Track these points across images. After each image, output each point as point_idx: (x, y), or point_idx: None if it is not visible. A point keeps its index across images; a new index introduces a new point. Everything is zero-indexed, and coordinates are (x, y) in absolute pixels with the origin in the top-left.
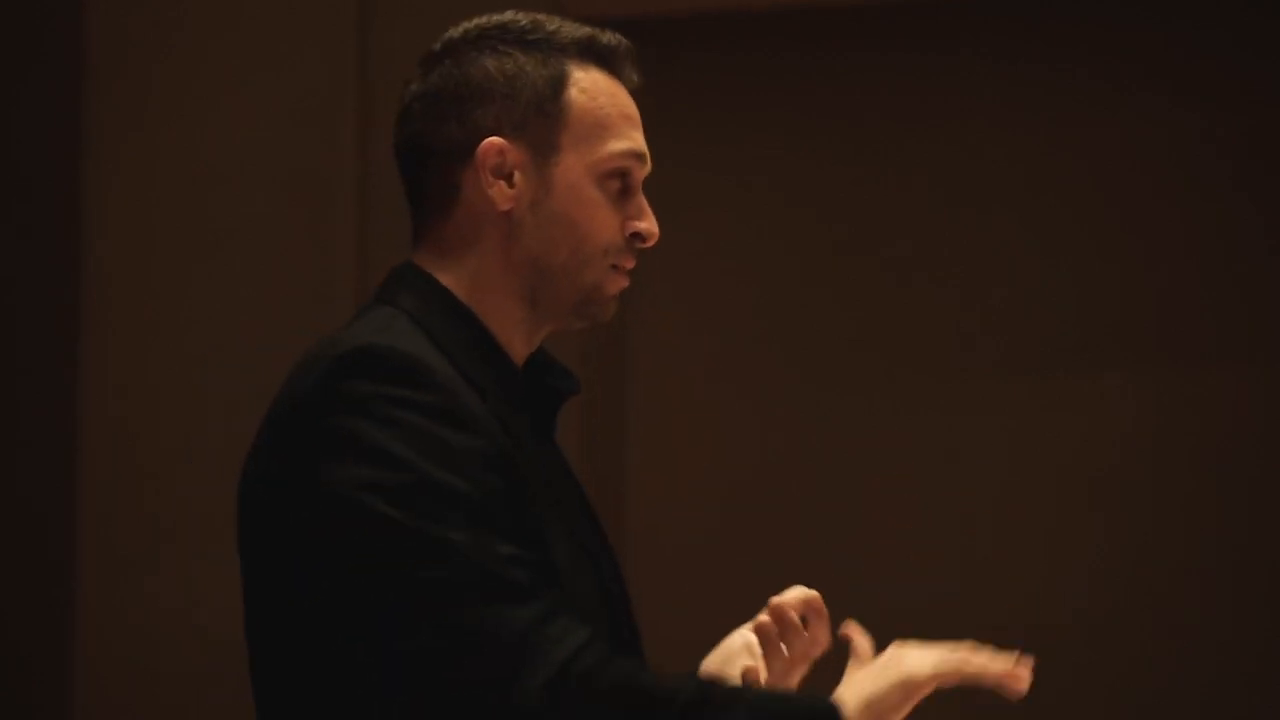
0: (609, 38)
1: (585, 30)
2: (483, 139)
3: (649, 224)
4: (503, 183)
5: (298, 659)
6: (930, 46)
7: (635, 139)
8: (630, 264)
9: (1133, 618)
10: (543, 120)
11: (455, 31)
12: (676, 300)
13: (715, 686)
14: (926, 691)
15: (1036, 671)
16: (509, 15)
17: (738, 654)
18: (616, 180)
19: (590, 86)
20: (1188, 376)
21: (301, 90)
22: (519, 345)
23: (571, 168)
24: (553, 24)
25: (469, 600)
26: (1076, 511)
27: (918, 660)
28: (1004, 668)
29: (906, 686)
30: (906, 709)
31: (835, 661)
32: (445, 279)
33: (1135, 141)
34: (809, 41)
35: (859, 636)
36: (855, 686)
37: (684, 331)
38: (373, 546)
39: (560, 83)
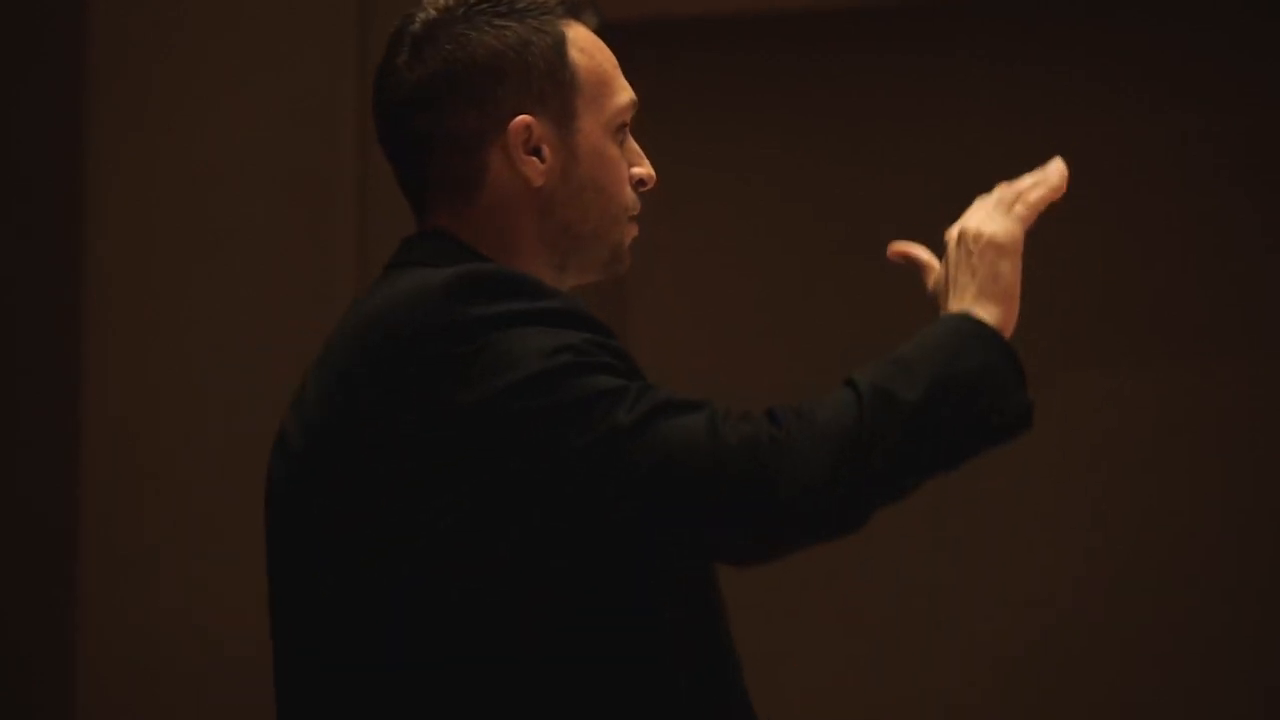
0: None
1: None
2: (508, 119)
3: (647, 167)
4: (534, 159)
5: (422, 602)
6: (927, 48)
7: (629, 87)
8: (639, 210)
9: (1133, 613)
10: (558, 89)
11: (434, 10)
12: (677, 296)
13: (869, 374)
14: (1022, 240)
15: (1035, 670)
16: None
17: None
18: (623, 132)
19: (585, 44)
20: (1185, 371)
21: (302, 90)
22: None
23: (591, 131)
24: None
25: (660, 422)
26: (1074, 505)
27: (994, 224)
28: (1055, 178)
29: (1007, 251)
30: (1019, 270)
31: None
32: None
33: (1132, 141)
34: (806, 43)
35: (912, 248)
36: (961, 288)
37: (684, 327)
38: (559, 429)
39: (561, 47)
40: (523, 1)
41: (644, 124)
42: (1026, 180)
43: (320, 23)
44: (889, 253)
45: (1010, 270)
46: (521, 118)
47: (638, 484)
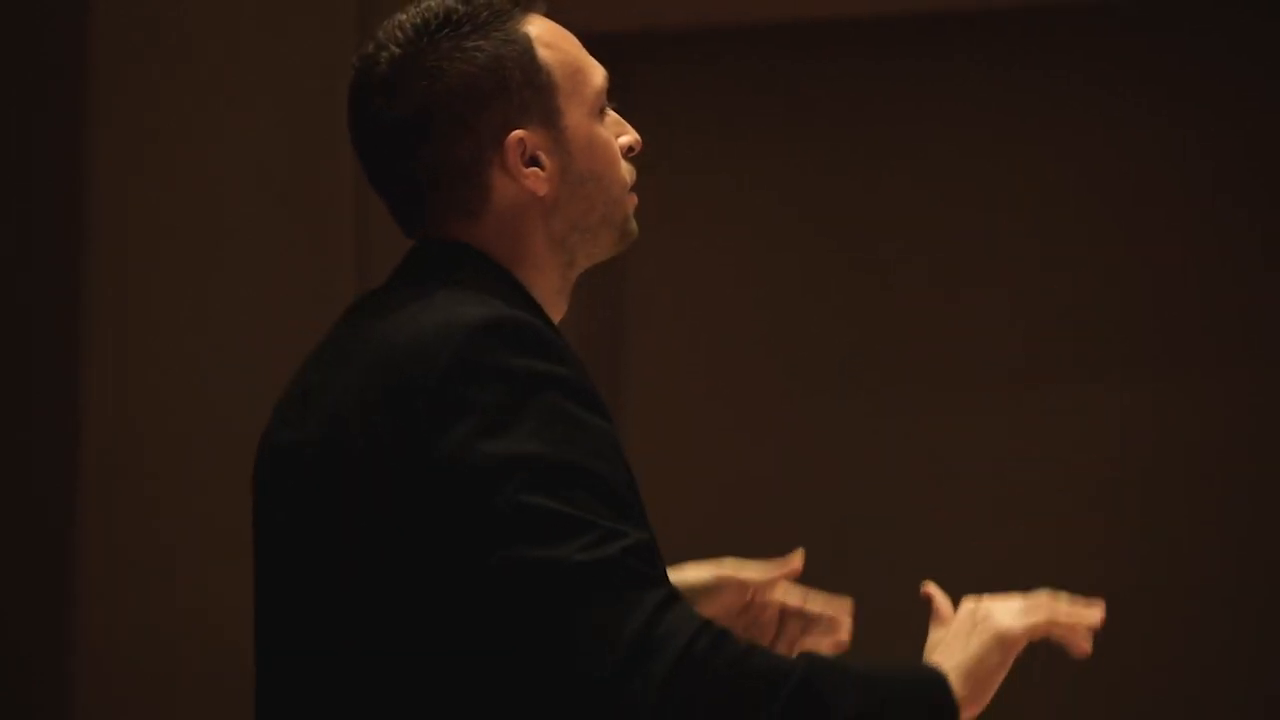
0: None
1: None
2: (501, 137)
3: (632, 134)
4: (535, 169)
5: (366, 642)
6: (925, 54)
7: (597, 64)
8: (634, 178)
9: (1131, 622)
10: (538, 94)
11: (395, 47)
12: (673, 303)
13: (821, 662)
14: (1021, 648)
15: (1038, 675)
16: (437, 5)
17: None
18: (604, 111)
19: (549, 37)
20: (1184, 381)
21: (301, 95)
22: (556, 315)
23: (577, 123)
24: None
25: (592, 587)
26: (1073, 517)
27: (1009, 617)
28: (1089, 619)
29: (1004, 645)
30: (1006, 669)
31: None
32: None
33: (1130, 147)
34: (804, 52)
35: (939, 596)
36: (950, 651)
37: (680, 334)
38: (503, 525)
39: (530, 51)
40: (482, 14)
41: (643, 134)
42: (1066, 606)
43: (319, 28)
44: (922, 591)
45: (998, 664)
46: (514, 134)
47: (538, 621)
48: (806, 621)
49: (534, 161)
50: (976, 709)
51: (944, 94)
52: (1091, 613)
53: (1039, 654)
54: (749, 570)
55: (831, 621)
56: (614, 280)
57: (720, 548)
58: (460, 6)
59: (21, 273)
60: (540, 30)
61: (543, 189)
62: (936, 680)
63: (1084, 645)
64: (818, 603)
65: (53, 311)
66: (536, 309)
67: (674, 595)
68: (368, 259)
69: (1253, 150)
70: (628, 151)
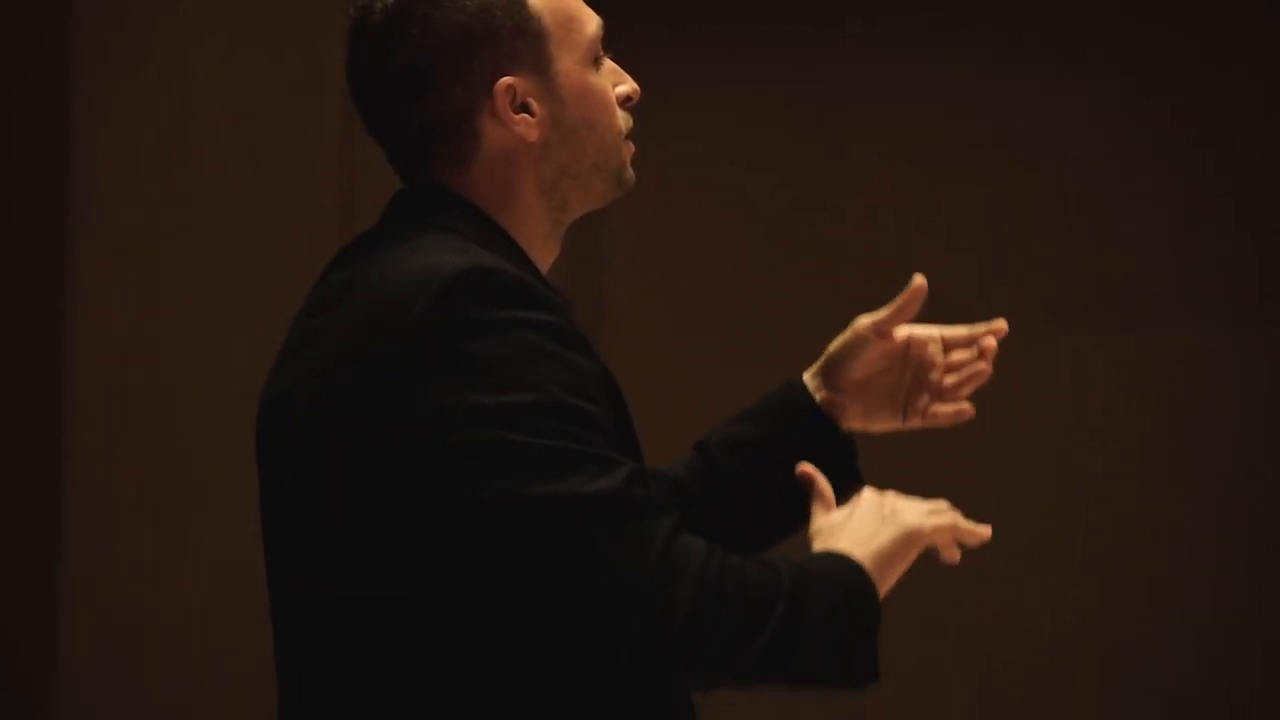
0: None
1: None
2: (490, 85)
3: (630, 83)
4: (525, 115)
5: (375, 598)
6: (897, 11)
7: (592, 13)
8: (631, 126)
9: (1119, 574)
10: (528, 42)
11: None
12: (652, 270)
13: (794, 570)
14: (923, 547)
15: (1030, 632)
16: None
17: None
18: (600, 60)
19: None
20: (1161, 339)
21: (287, 68)
22: (546, 264)
23: (569, 70)
24: None
25: (606, 518)
26: (1057, 473)
27: (917, 515)
28: (980, 535)
29: (910, 540)
30: (908, 564)
31: None
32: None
33: (1103, 107)
34: (778, 12)
35: (820, 478)
36: (857, 538)
37: (659, 307)
38: (502, 468)
39: (519, 0)
40: None
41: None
42: (962, 518)
43: (305, 4)
44: (798, 471)
45: (903, 559)
46: (503, 80)
47: (565, 554)
48: (951, 356)
49: (524, 108)
50: (880, 594)
51: (920, 53)
52: (982, 530)
53: (1015, 615)
54: (878, 313)
55: (981, 346)
56: (590, 243)
57: None
58: None
59: (6, 240)
60: None
61: (533, 135)
62: (860, 572)
63: (954, 553)
64: (956, 331)
65: (39, 278)
66: (520, 254)
67: (679, 519)
68: (353, 222)
69: (1226, 109)
70: (625, 100)
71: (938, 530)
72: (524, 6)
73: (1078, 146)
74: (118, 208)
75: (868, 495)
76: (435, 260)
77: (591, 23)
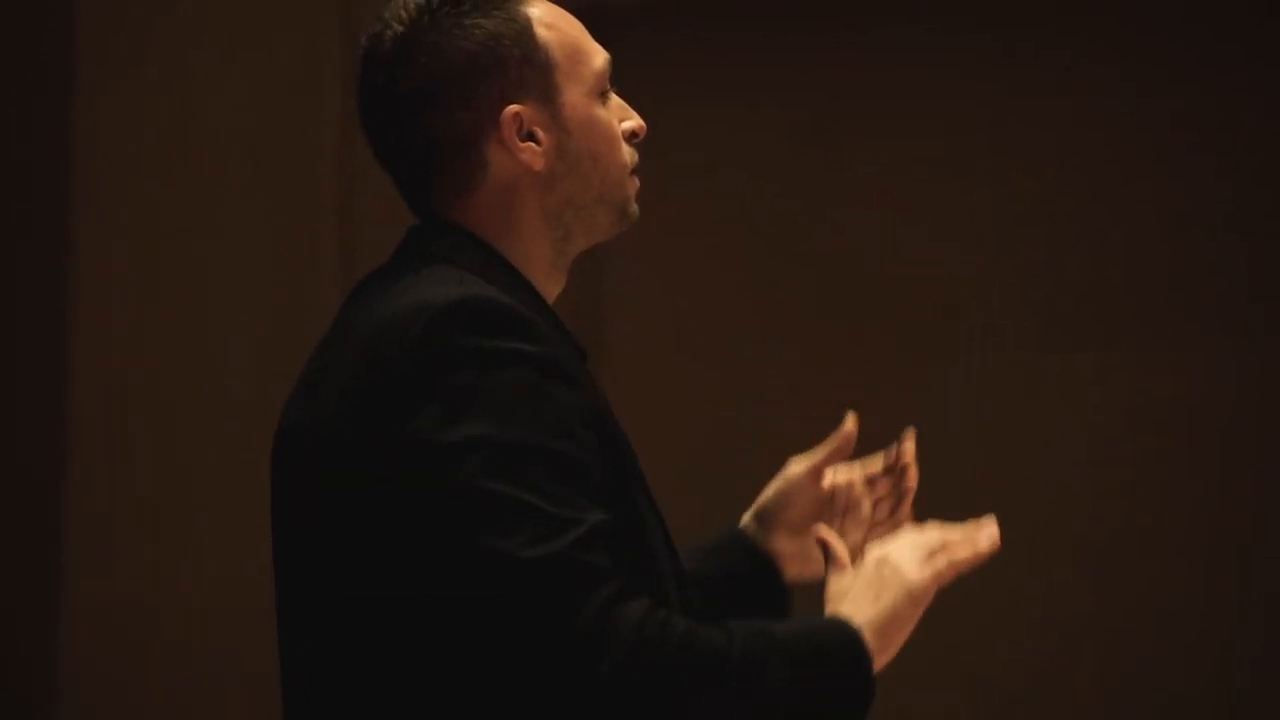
0: None
1: None
2: (497, 112)
3: (636, 119)
4: (530, 144)
5: (350, 623)
6: (894, 21)
7: (599, 47)
8: (636, 161)
9: (1109, 587)
10: (536, 71)
11: (399, 25)
12: (651, 280)
13: (750, 631)
14: (931, 598)
15: (1019, 648)
16: None
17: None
18: (606, 93)
19: (549, 19)
20: (1160, 352)
21: (286, 71)
22: (551, 294)
23: (575, 102)
24: None
25: (536, 584)
26: (1051, 489)
27: (915, 569)
28: (984, 544)
29: (914, 599)
30: (916, 621)
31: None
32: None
33: (1104, 116)
34: (774, 20)
35: (834, 541)
36: (859, 604)
37: (658, 307)
38: (453, 510)
39: (529, 30)
40: None
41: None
42: (956, 535)
43: (306, 6)
44: (814, 533)
45: (908, 620)
46: (510, 108)
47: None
48: (876, 486)
49: (530, 137)
50: (886, 659)
51: (920, 61)
52: (984, 537)
53: (1012, 618)
54: (807, 457)
55: (899, 469)
56: (589, 257)
57: (684, 511)
58: None
59: (9, 244)
60: (541, 12)
61: (538, 164)
62: (852, 638)
63: (989, 553)
64: (875, 463)
65: (41, 282)
66: (525, 286)
67: (621, 587)
68: (353, 241)
69: (1226, 118)
70: (630, 136)
71: (938, 577)
72: (532, 37)
73: (1078, 155)
74: (117, 209)
75: (870, 555)
76: (430, 292)
77: (599, 56)
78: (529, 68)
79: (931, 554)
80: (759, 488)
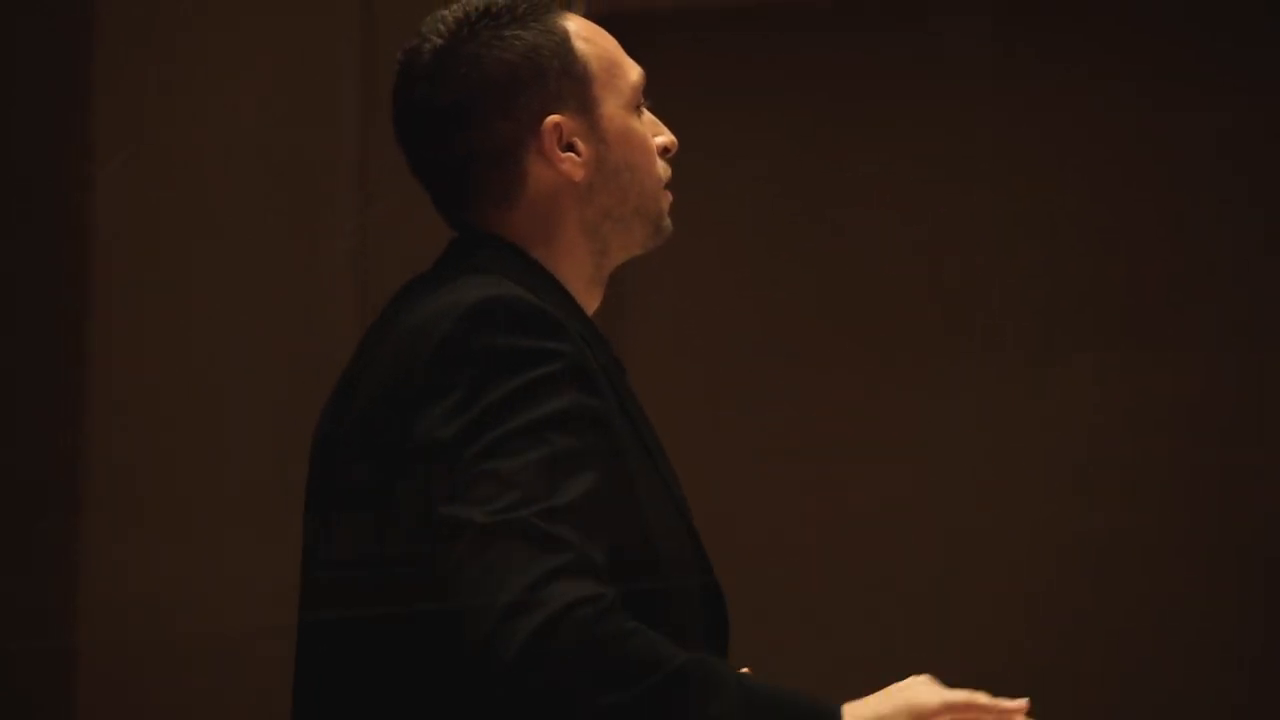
0: None
1: None
2: (538, 123)
3: (669, 135)
4: (571, 155)
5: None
6: (899, 27)
7: (634, 62)
8: (669, 176)
9: (1109, 594)
10: (574, 83)
11: (438, 38)
12: (655, 279)
13: (707, 666)
14: None
15: (1017, 648)
16: (475, 1)
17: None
18: (640, 108)
19: (586, 33)
20: (1157, 359)
21: (303, 78)
22: (590, 307)
23: (613, 114)
24: None
25: (489, 546)
26: (1052, 490)
27: (927, 691)
28: (1014, 708)
29: (913, 714)
30: None
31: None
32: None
33: (1106, 122)
34: (773, 21)
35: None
36: (861, 706)
37: (661, 309)
38: (445, 489)
39: (567, 42)
40: (520, 7)
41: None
42: (985, 700)
43: (323, 10)
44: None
45: None
46: (550, 118)
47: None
48: None
49: (570, 148)
50: None
51: (923, 69)
52: (1014, 704)
53: (1013, 627)
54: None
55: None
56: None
57: (704, 517)
58: (500, 0)
59: (26, 250)
60: (577, 25)
61: (578, 174)
62: (833, 714)
63: None
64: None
65: (57, 293)
66: (562, 292)
67: (580, 565)
68: (369, 249)
69: (1229, 130)
70: (663, 152)
71: (947, 706)
72: (570, 49)
73: (1079, 159)
74: (138, 215)
75: (908, 682)
76: (461, 295)
77: (634, 71)
78: (568, 79)
79: (954, 695)
80: (759, 488)
